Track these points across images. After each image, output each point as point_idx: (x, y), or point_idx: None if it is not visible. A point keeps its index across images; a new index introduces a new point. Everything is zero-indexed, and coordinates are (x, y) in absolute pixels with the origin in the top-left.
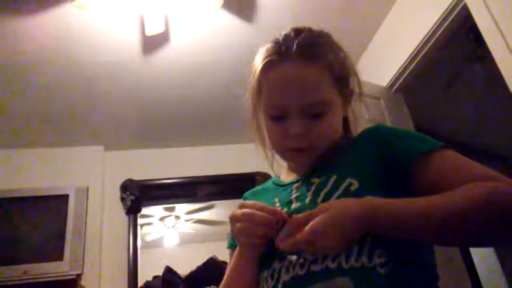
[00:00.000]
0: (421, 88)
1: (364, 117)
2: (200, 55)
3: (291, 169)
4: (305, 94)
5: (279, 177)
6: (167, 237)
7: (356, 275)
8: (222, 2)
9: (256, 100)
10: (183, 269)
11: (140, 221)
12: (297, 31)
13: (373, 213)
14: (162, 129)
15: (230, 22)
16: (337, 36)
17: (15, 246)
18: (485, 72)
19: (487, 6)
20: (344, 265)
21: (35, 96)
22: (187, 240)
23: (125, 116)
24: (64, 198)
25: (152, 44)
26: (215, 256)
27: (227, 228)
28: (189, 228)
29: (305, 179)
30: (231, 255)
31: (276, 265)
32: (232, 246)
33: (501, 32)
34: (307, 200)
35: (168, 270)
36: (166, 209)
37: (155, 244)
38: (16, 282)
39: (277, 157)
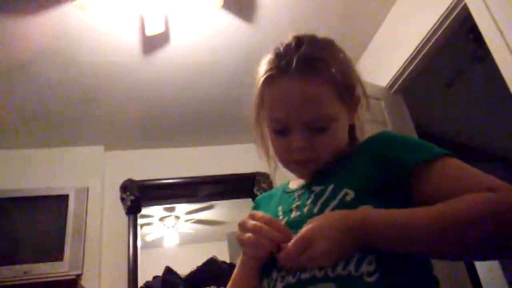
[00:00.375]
0: (421, 88)
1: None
2: (200, 55)
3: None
4: (306, 111)
5: (289, 183)
6: (167, 237)
7: (340, 283)
8: (222, 2)
9: (259, 112)
10: (183, 269)
11: (140, 221)
12: (298, 42)
13: (367, 224)
14: (162, 129)
15: (230, 22)
16: (337, 37)
17: (15, 246)
18: (485, 72)
19: (487, 6)
20: (330, 274)
21: (35, 96)
22: (187, 240)
23: (125, 116)
24: (64, 198)
25: (152, 44)
26: (215, 256)
27: (227, 228)
28: (189, 228)
29: (307, 187)
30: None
31: (274, 274)
32: None
33: (501, 32)
34: (305, 209)
35: (168, 270)
36: (166, 209)
37: (155, 244)
38: (16, 282)
39: (280, 167)
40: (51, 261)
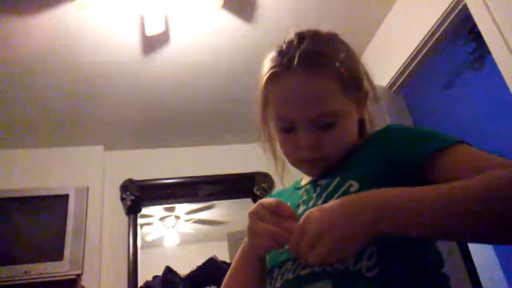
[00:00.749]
0: (421, 88)
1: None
2: (200, 55)
3: None
4: (311, 108)
5: (301, 179)
6: (167, 237)
7: (337, 278)
8: (222, 2)
9: (264, 110)
10: (183, 269)
11: (140, 221)
12: (300, 39)
13: (377, 197)
14: (162, 129)
15: (230, 22)
16: None
17: (15, 246)
18: (485, 72)
19: (487, 6)
20: (328, 269)
21: (35, 96)
22: (187, 240)
23: (125, 116)
24: (64, 198)
25: (152, 44)
26: (215, 256)
27: (227, 228)
28: (189, 228)
29: (314, 181)
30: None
31: (275, 273)
32: None
33: (501, 32)
34: (311, 203)
35: (168, 270)
36: (166, 209)
37: (155, 244)
38: (17, 282)
39: (287, 166)
40: (51, 261)
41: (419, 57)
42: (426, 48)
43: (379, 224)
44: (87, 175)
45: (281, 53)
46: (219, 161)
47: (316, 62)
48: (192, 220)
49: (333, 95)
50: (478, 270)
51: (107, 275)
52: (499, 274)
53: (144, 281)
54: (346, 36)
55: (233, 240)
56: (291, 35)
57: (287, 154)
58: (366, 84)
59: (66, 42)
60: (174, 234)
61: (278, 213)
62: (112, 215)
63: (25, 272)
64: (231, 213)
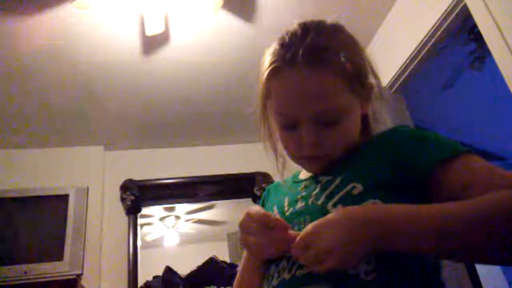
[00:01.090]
0: (421, 88)
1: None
2: (200, 55)
3: None
4: (315, 104)
5: (300, 172)
6: (167, 237)
7: (336, 281)
8: (222, 2)
9: (265, 104)
10: (183, 269)
11: (140, 221)
12: (304, 31)
13: (384, 217)
14: (162, 129)
15: (230, 22)
16: None
17: (15, 246)
18: (485, 72)
19: (487, 6)
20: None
21: (35, 96)
22: (187, 240)
23: (125, 116)
24: (64, 198)
25: (152, 44)
26: (215, 256)
27: (227, 228)
28: (189, 228)
29: (314, 177)
30: None
31: (272, 269)
32: None
33: (501, 32)
34: (310, 200)
35: (168, 270)
36: (166, 209)
37: (155, 244)
38: (16, 282)
39: (289, 163)
40: (51, 261)
41: (419, 57)
42: (426, 48)
43: (379, 243)
44: (87, 175)
45: (284, 46)
46: (219, 161)
47: (320, 58)
48: (192, 220)
49: (337, 91)
50: (478, 270)
51: (107, 275)
52: (499, 274)
53: (144, 281)
54: None
55: (233, 240)
56: (294, 26)
57: (288, 151)
58: (370, 78)
59: (66, 42)
60: (174, 234)
61: (265, 224)
62: (112, 215)
63: (25, 272)
64: (231, 213)
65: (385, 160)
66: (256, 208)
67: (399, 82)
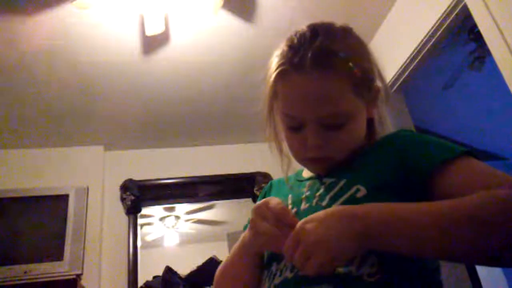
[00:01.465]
0: (421, 88)
1: None
2: (200, 55)
3: None
4: (322, 108)
5: (303, 170)
6: (167, 237)
7: (340, 283)
8: (222, 2)
9: (271, 105)
10: (183, 269)
11: (140, 221)
12: (313, 34)
13: (367, 213)
14: (162, 129)
15: (230, 22)
16: None
17: (15, 246)
18: (485, 72)
19: (487, 6)
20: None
21: (35, 96)
22: (187, 240)
23: (125, 116)
24: (64, 198)
25: (152, 44)
26: (215, 256)
27: (227, 228)
28: (189, 228)
29: (318, 177)
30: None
31: (274, 267)
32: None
33: (501, 32)
34: (314, 201)
35: (168, 270)
36: (166, 209)
37: (155, 244)
38: (16, 282)
39: (293, 163)
40: (51, 261)
41: (419, 57)
42: (426, 48)
43: (367, 239)
44: (87, 175)
45: (292, 49)
46: (219, 161)
47: (328, 62)
48: (192, 220)
49: (344, 96)
50: (478, 269)
51: (107, 275)
52: (499, 274)
53: (144, 281)
54: None
55: (233, 240)
56: (303, 28)
57: (293, 152)
58: (377, 82)
59: (66, 42)
60: (174, 234)
61: (281, 218)
62: (112, 215)
63: (25, 272)
64: (231, 213)
65: (388, 163)
66: (276, 200)
67: (399, 82)
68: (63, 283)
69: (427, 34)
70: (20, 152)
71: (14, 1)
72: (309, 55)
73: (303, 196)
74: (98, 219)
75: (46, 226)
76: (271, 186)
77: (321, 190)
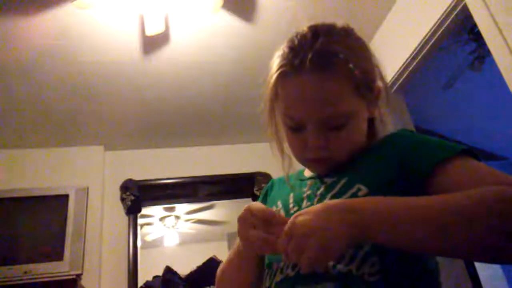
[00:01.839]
0: (421, 88)
1: None
2: (200, 55)
3: None
4: (322, 109)
5: (305, 169)
6: (167, 237)
7: (340, 281)
8: (222, 2)
9: (272, 106)
10: (183, 269)
11: (140, 221)
12: (314, 35)
13: (358, 204)
14: (162, 129)
15: (230, 22)
16: None
17: (15, 246)
18: (485, 72)
19: (487, 6)
20: (331, 270)
21: (35, 97)
22: (187, 240)
23: (125, 116)
24: (64, 198)
25: (152, 44)
26: (215, 256)
27: (227, 228)
28: (189, 228)
29: (319, 176)
30: None
31: (275, 265)
32: None
33: (501, 32)
34: (315, 200)
35: (168, 270)
36: (166, 209)
37: (155, 244)
38: (17, 282)
39: (294, 164)
40: (51, 261)
41: (419, 57)
42: (426, 48)
43: (359, 232)
44: (87, 175)
45: (293, 50)
46: (219, 161)
47: (329, 64)
48: (192, 220)
49: (345, 97)
50: (478, 269)
51: (107, 275)
52: (499, 274)
53: (144, 281)
54: None
55: (233, 240)
56: (304, 29)
57: (294, 152)
58: (378, 82)
59: (66, 42)
60: (174, 234)
61: (269, 219)
62: (112, 215)
63: (25, 272)
64: (231, 213)
65: (389, 162)
66: (257, 204)
67: (399, 82)
68: (63, 283)
69: (427, 34)
70: (20, 152)
71: (14, 1)
72: (310, 56)
73: (305, 195)
74: (98, 219)
75: (46, 226)
76: (272, 184)
77: (322, 189)
